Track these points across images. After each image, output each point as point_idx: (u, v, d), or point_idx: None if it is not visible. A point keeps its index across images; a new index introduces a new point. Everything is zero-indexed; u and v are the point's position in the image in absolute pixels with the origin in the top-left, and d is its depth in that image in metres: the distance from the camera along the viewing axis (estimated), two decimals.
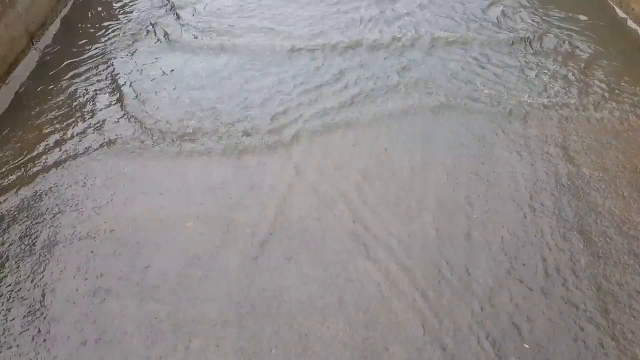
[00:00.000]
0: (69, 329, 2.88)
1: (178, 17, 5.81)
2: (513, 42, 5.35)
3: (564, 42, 5.33)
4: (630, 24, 5.70)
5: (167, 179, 3.80)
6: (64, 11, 5.99)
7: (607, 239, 3.35)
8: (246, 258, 3.26)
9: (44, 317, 2.94)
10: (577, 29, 5.61)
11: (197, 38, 5.44)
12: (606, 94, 4.59)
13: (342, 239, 3.37)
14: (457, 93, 4.63)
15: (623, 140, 4.11)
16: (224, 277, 3.16)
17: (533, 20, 5.75)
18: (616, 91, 4.62)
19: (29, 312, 2.96)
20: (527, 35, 5.44)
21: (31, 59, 5.09)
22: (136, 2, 6.14)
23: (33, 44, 5.25)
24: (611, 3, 6.12)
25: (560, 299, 3.02)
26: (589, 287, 3.08)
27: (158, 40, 5.43)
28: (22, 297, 3.04)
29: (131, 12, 5.95)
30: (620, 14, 5.90)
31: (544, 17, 5.82)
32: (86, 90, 4.67)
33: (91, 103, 4.50)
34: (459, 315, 2.94)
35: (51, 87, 4.70)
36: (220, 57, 5.16)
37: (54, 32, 5.59)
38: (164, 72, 4.93)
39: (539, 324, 2.90)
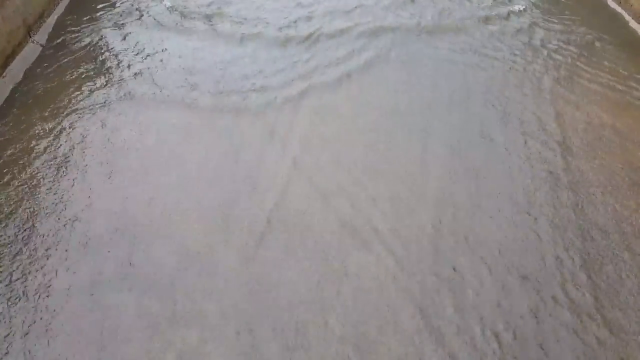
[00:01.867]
0: (67, 323, 2.89)
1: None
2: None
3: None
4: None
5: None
6: (62, 3, 5.95)
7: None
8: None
9: (42, 311, 2.94)
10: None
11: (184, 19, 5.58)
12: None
13: None
14: None
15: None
16: (222, 270, 3.17)
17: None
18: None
19: (28, 306, 2.97)
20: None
21: (28, 52, 5.07)
22: None
23: (30, 37, 5.22)
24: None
25: (559, 294, 3.03)
26: (585, 281, 3.09)
27: (150, 19, 5.61)
28: (16, 291, 3.04)
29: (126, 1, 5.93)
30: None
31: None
32: (84, 84, 4.67)
33: (89, 95, 4.50)
34: (456, 311, 2.95)
35: (49, 77, 4.69)
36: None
37: (52, 24, 5.57)
38: (158, 50, 4.97)
39: (534, 321, 2.91)
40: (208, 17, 5.67)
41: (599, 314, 2.94)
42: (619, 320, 2.91)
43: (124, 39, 5.33)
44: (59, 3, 5.91)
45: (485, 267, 3.17)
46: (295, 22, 5.63)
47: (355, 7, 5.89)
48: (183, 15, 5.72)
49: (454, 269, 3.16)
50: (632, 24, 5.63)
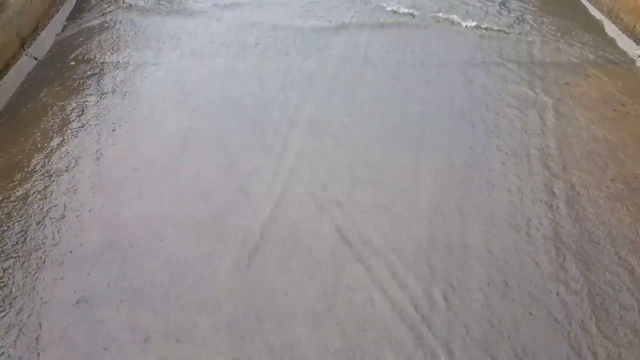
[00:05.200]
0: (58, 336, 2.85)
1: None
2: None
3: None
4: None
5: None
6: (57, 16, 5.97)
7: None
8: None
9: (33, 324, 2.90)
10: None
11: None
12: None
13: None
14: None
15: None
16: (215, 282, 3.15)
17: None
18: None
19: (19, 318, 2.93)
20: None
21: (23, 65, 5.06)
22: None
23: (24, 50, 5.22)
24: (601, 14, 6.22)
25: (552, 307, 3.03)
26: (580, 293, 3.09)
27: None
28: (7, 304, 3.01)
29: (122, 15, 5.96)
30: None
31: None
32: (79, 97, 4.67)
33: (83, 109, 4.50)
34: (450, 325, 2.94)
35: (43, 91, 4.69)
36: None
37: (46, 38, 5.58)
38: (153, 65, 4.97)
39: (530, 330, 2.90)
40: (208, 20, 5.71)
41: (594, 325, 2.93)
42: (613, 332, 2.90)
43: (119, 52, 5.35)
44: (53, 16, 5.93)
45: (480, 280, 3.17)
46: None
47: None
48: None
49: (448, 282, 3.15)
50: (623, 38, 5.70)
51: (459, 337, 2.86)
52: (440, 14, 6.16)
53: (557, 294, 3.09)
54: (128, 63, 5.16)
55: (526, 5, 6.43)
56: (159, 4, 6.31)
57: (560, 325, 2.93)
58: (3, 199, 3.63)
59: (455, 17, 6.10)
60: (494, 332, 2.89)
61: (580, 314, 2.98)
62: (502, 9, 6.33)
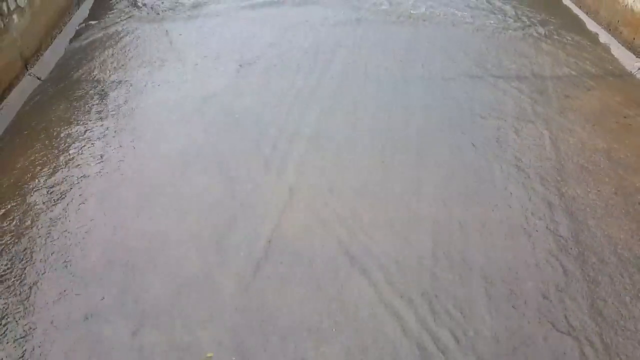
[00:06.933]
0: (62, 354, 2.83)
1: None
2: None
3: None
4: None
5: None
6: (60, 36, 6.03)
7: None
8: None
9: (37, 342, 2.88)
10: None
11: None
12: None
13: None
14: None
15: None
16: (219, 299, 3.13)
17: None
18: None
19: (23, 337, 2.91)
20: None
21: (26, 85, 5.10)
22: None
23: (27, 70, 5.26)
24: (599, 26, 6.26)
25: (557, 320, 3.00)
26: (585, 308, 3.06)
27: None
28: (11, 322, 2.99)
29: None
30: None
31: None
32: (82, 116, 4.69)
33: (86, 127, 4.52)
34: (456, 341, 2.91)
35: (47, 110, 4.72)
36: None
37: (49, 57, 5.63)
38: (154, 84, 5.00)
39: (534, 342, 2.87)
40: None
41: (600, 341, 2.90)
42: (621, 347, 2.86)
43: (122, 70, 5.39)
44: (56, 36, 5.99)
45: (483, 293, 3.14)
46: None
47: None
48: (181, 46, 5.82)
49: (452, 297, 3.12)
50: (622, 51, 5.73)
51: (465, 351, 2.83)
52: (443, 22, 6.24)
53: (562, 307, 3.06)
54: (131, 81, 5.20)
55: (527, 18, 6.48)
56: (163, 16, 6.41)
57: (565, 336, 2.90)
58: (6, 218, 3.63)
59: (458, 22, 6.19)
60: (500, 346, 2.86)
61: (584, 326, 2.95)
62: (504, 18, 6.40)
